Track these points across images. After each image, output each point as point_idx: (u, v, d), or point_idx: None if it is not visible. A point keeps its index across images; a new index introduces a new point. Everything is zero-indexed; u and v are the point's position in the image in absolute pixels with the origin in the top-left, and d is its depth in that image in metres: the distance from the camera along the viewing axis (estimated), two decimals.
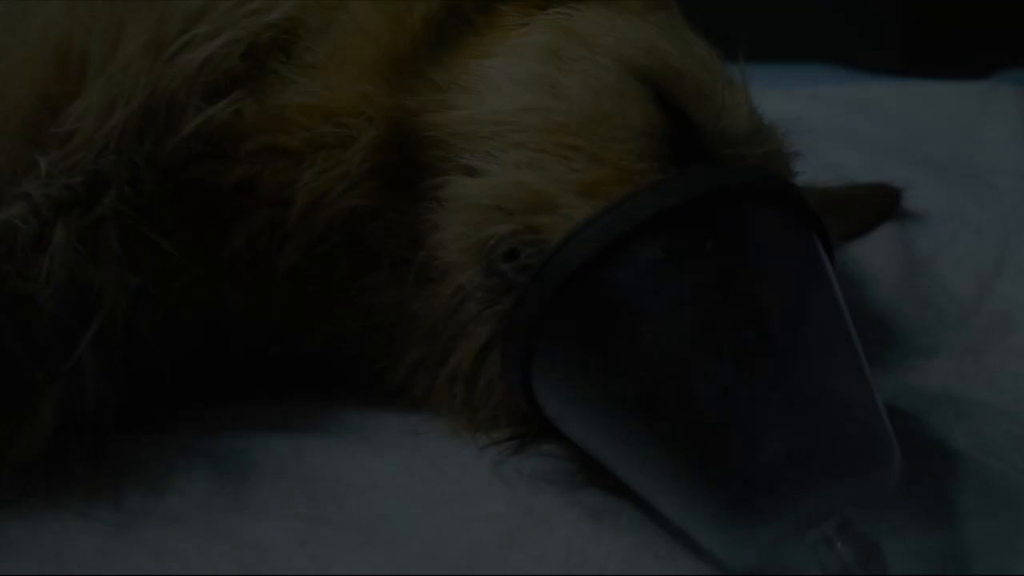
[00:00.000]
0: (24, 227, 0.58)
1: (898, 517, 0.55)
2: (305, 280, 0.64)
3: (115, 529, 0.57)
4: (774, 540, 0.52)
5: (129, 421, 0.62)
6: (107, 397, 0.60)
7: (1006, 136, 0.81)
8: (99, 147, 0.59)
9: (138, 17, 0.62)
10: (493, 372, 0.60)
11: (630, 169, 0.60)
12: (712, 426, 0.52)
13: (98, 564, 0.55)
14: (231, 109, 0.62)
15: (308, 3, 0.65)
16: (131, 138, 0.60)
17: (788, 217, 0.56)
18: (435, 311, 0.63)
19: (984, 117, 0.84)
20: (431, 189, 0.63)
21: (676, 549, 0.55)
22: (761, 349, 0.53)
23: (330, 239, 0.63)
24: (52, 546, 0.55)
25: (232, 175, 0.62)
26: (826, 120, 0.67)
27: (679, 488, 0.53)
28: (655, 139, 0.62)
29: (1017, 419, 0.61)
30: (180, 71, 0.62)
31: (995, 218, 0.74)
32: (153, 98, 0.61)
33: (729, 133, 0.63)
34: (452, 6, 0.66)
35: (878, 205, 0.76)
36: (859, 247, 0.73)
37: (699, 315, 0.53)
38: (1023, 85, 0.86)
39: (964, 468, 0.59)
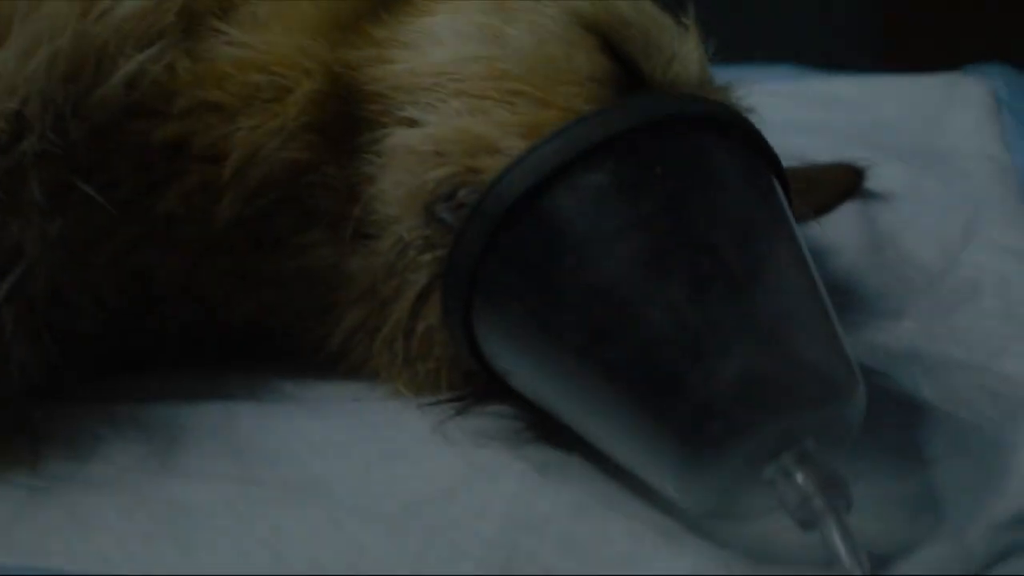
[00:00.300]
0: None
1: (864, 464, 0.52)
2: (240, 240, 0.61)
3: (33, 494, 0.54)
4: (730, 477, 0.49)
5: (56, 388, 0.58)
6: (28, 360, 0.57)
7: (972, 123, 0.79)
8: (21, 92, 0.57)
9: None
10: (432, 320, 0.57)
11: (577, 111, 0.58)
12: (663, 353, 0.49)
13: (12, 527, 0.52)
14: (163, 63, 0.60)
15: None
16: (56, 84, 0.57)
17: (738, 146, 0.54)
18: (373, 269, 0.60)
19: (950, 106, 0.82)
20: (371, 143, 0.60)
21: (628, 497, 0.52)
22: (715, 273, 0.50)
23: (265, 195, 0.60)
24: None
25: (165, 132, 0.60)
26: (787, 113, 0.65)
27: (630, 425, 0.50)
28: (603, 85, 0.60)
29: (988, 372, 0.58)
30: (109, 21, 0.60)
31: (961, 195, 0.71)
32: (80, 46, 0.59)
33: (679, 82, 0.62)
34: None
35: (840, 183, 0.74)
36: (821, 223, 0.70)
37: (649, 241, 0.51)
38: (990, 77, 0.85)
39: (932, 417, 0.56)
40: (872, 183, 0.72)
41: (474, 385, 0.58)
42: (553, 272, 0.51)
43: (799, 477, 0.47)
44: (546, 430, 0.56)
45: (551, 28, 0.61)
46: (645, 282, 0.50)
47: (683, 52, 0.62)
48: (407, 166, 0.59)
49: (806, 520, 0.47)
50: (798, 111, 0.70)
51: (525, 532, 0.51)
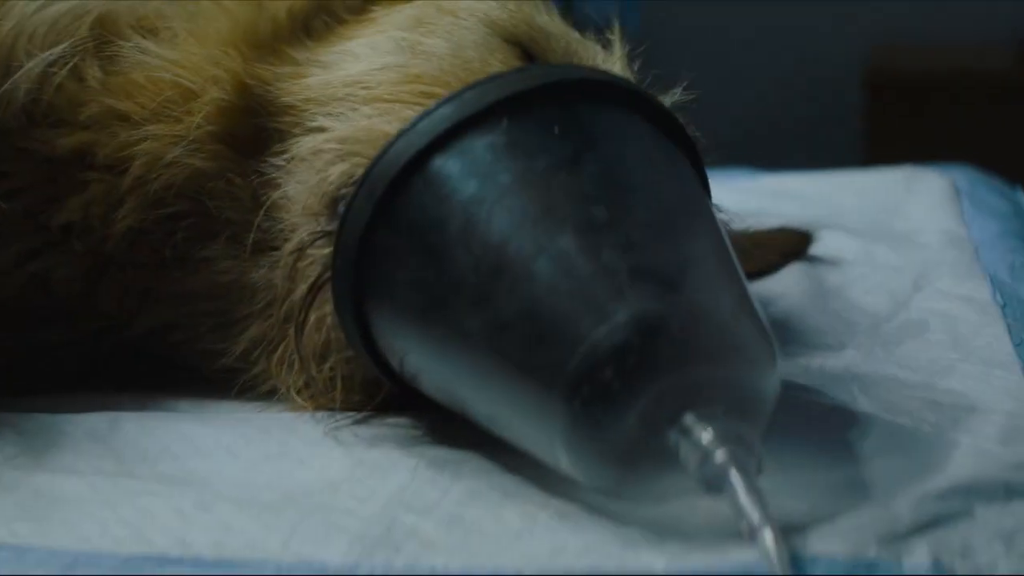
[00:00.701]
0: None
1: (789, 457, 0.48)
2: (142, 254, 0.58)
3: None
4: (627, 442, 0.44)
5: None
6: None
7: (929, 205, 0.76)
8: None
9: None
10: (326, 313, 0.54)
11: None
12: (552, 305, 0.45)
13: None
14: (69, 68, 0.58)
15: None
16: None
17: (643, 119, 0.51)
18: (275, 281, 0.56)
19: (908, 194, 0.79)
20: (279, 153, 0.58)
21: (526, 487, 0.48)
22: (611, 223, 0.47)
23: (167, 205, 0.58)
24: None
25: (70, 141, 0.58)
26: (737, 205, 0.63)
27: (520, 389, 0.46)
28: None
29: (932, 388, 0.54)
30: (16, 30, 0.58)
31: (913, 259, 0.68)
32: None
33: None
34: (321, 5, 0.63)
35: (787, 244, 0.71)
36: (763, 281, 0.67)
37: (542, 195, 0.48)
38: (949, 172, 0.82)
39: (869, 422, 0.52)
40: (821, 250, 0.69)
41: (370, 393, 0.54)
42: (443, 235, 0.48)
43: (701, 435, 0.43)
44: (444, 434, 0.52)
45: (469, 37, 0.59)
46: (535, 235, 0.46)
47: (607, 66, 0.60)
48: (312, 166, 0.56)
49: (710, 480, 0.43)
50: (748, 204, 0.67)
51: (408, 511, 0.47)
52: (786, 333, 0.61)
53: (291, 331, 0.55)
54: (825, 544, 0.42)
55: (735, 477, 0.42)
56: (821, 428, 0.51)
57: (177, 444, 0.53)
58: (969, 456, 0.47)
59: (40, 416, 0.55)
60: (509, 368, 0.46)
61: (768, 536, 0.41)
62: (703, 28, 2.21)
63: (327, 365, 0.55)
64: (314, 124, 0.58)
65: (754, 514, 0.42)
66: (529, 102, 0.50)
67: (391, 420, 0.54)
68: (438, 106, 0.50)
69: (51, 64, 0.58)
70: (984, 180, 0.81)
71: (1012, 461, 0.47)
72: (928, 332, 0.60)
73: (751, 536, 0.41)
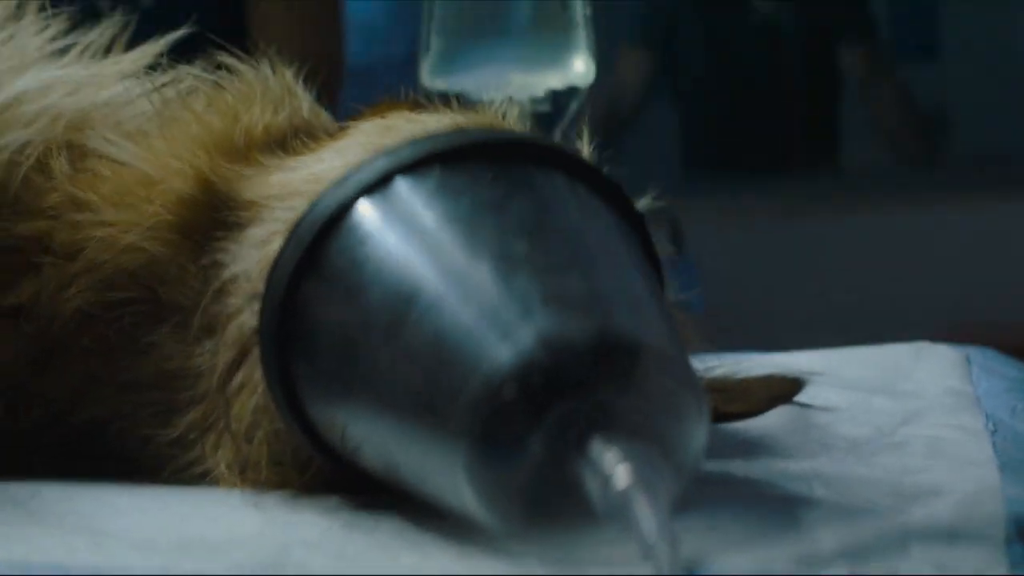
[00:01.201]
0: None
1: (723, 520, 0.44)
2: (89, 336, 0.57)
3: None
4: (532, 474, 0.41)
5: None
6: None
7: (935, 369, 0.73)
8: None
9: None
10: (255, 380, 0.51)
11: None
12: (457, 330, 0.43)
13: None
14: (34, 160, 0.59)
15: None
16: None
17: (578, 179, 0.51)
18: (218, 364, 0.54)
19: (914, 361, 0.76)
20: (234, 241, 0.57)
21: (435, 541, 0.44)
22: (529, 257, 0.45)
23: (117, 288, 0.57)
24: None
25: (28, 228, 0.58)
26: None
27: (428, 419, 0.43)
28: None
29: (896, 484, 0.50)
30: None
31: (908, 407, 0.64)
32: None
33: None
34: (299, 126, 0.63)
35: (774, 388, 0.67)
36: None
37: (463, 230, 0.47)
38: (962, 347, 0.79)
39: (819, 503, 0.47)
40: (813, 398, 0.66)
41: (303, 468, 0.51)
42: (362, 275, 0.47)
43: (605, 455, 0.40)
44: (367, 503, 0.49)
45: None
46: (450, 265, 0.45)
47: None
48: (260, 247, 0.55)
49: (612, 505, 0.39)
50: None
51: (303, 548, 0.43)
52: (754, 448, 0.58)
53: (222, 402, 0.53)
54: (731, 563, 0.39)
55: (636, 493, 0.39)
56: (762, 504, 0.47)
57: (93, 505, 0.51)
58: (917, 517, 0.44)
59: None
60: (415, 399, 0.44)
61: (663, 550, 0.37)
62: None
63: (257, 436, 0.52)
64: (271, 216, 0.57)
65: (651, 527, 0.38)
66: (464, 155, 0.49)
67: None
68: (373, 159, 0.50)
69: (18, 152, 0.59)
70: (999, 356, 0.78)
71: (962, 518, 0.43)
72: (908, 448, 0.56)
73: (647, 555, 0.38)
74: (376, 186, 0.49)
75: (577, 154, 0.53)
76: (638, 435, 0.41)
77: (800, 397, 0.64)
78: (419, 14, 1.00)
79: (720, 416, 0.60)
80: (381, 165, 0.50)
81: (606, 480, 0.40)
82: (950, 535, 0.41)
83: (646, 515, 0.39)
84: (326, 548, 0.44)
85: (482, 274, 0.44)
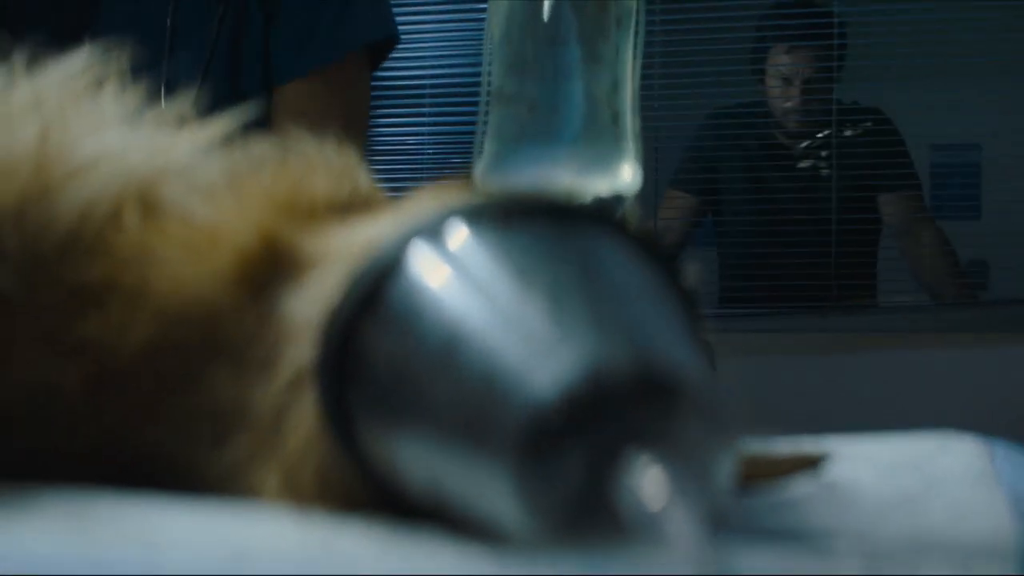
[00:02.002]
0: None
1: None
2: (147, 370, 0.61)
3: None
4: (570, 489, 0.44)
5: None
6: None
7: (962, 455, 0.75)
8: None
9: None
10: (308, 410, 0.55)
11: None
12: (508, 358, 0.47)
13: None
14: (107, 212, 0.62)
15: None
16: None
17: (613, 228, 0.54)
18: (271, 399, 0.58)
19: (939, 448, 0.78)
20: (292, 288, 0.60)
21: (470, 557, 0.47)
22: (576, 295, 0.49)
23: (177, 329, 0.60)
24: None
25: (99, 271, 0.62)
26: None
27: (475, 442, 0.47)
28: None
29: (914, 528, 0.52)
30: (64, 167, 0.63)
31: (930, 480, 0.66)
32: (32, 184, 0.62)
33: None
34: (357, 197, 0.67)
35: (798, 458, 0.69)
36: None
37: (514, 272, 0.51)
38: (985, 440, 0.81)
39: (839, 531, 0.50)
40: (838, 473, 0.68)
41: (350, 494, 0.54)
42: (419, 318, 0.51)
43: (642, 478, 0.43)
44: (410, 524, 0.52)
45: None
46: (498, 307, 0.49)
47: None
48: (317, 287, 0.58)
49: (647, 523, 0.42)
50: None
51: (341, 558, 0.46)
52: (777, 501, 0.60)
53: (273, 433, 0.56)
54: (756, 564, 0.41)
55: (671, 511, 0.41)
56: (784, 534, 0.50)
57: (146, 514, 0.54)
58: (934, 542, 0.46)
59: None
60: (464, 428, 0.47)
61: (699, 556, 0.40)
62: None
63: (308, 466, 0.55)
64: (330, 269, 0.60)
65: (686, 540, 0.41)
66: (517, 209, 0.53)
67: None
68: (430, 209, 0.54)
69: (93, 205, 0.63)
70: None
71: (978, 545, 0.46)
72: (928, 505, 0.58)
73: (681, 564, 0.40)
74: (432, 232, 0.53)
75: (618, 214, 0.56)
76: (674, 459, 0.44)
77: (826, 472, 0.67)
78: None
79: (746, 480, 0.63)
80: (437, 213, 0.53)
81: (642, 499, 0.42)
82: (966, 555, 0.44)
83: (682, 531, 0.41)
84: (363, 560, 0.47)
85: (529, 310, 0.48)
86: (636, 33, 0.93)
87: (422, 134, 3.79)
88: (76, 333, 0.61)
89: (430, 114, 3.74)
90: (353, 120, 1.80)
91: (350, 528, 0.51)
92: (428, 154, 3.75)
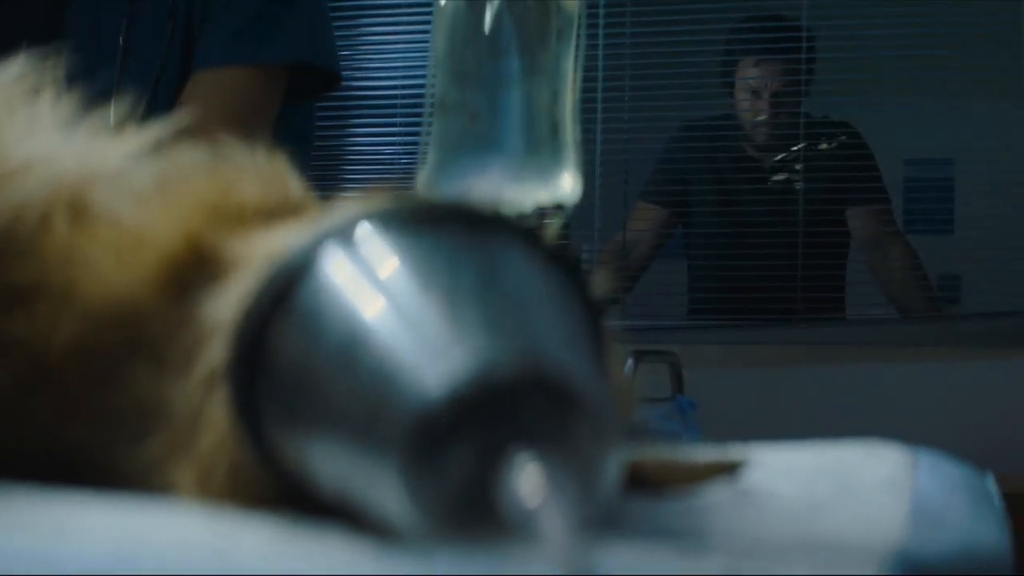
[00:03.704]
0: None
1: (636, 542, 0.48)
2: (74, 369, 0.62)
3: None
4: (456, 486, 0.45)
5: None
6: None
7: (880, 466, 0.76)
8: None
9: None
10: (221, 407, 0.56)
11: None
12: (403, 358, 0.48)
13: None
14: (38, 215, 0.64)
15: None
16: None
17: (520, 237, 0.56)
18: (188, 397, 0.59)
19: (862, 458, 0.79)
20: (214, 291, 0.62)
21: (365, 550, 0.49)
22: (473, 298, 0.51)
23: (102, 329, 0.62)
24: None
25: (28, 272, 0.63)
26: None
27: (371, 440, 0.48)
28: None
29: (807, 526, 0.54)
30: None
31: (842, 487, 0.68)
32: None
33: None
34: (286, 203, 0.68)
35: (714, 465, 0.71)
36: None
37: (416, 275, 0.52)
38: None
39: (723, 530, 0.51)
40: (755, 480, 0.70)
41: (259, 490, 0.56)
42: (325, 319, 0.52)
43: (521, 477, 0.44)
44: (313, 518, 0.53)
45: None
46: (398, 308, 0.50)
47: None
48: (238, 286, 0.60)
49: (523, 521, 0.43)
50: None
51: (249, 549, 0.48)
52: (682, 503, 0.62)
53: (189, 432, 0.57)
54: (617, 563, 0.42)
55: (546, 510, 0.43)
56: (666, 531, 0.51)
57: (61, 505, 0.55)
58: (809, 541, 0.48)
59: None
60: (362, 426, 0.49)
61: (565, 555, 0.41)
62: None
63: (220, 462, 0.57)
64: (250, 271, 0.61)
65: (557, 538, 0.42)
66: (427, 215, 0.55)
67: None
68: (342, 213, 0.56)
69: (22, 207, 0.64)
70: (953, 459, 0.81)
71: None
72: (828, 510, 0.60)
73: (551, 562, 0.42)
74: (343, 236, 0.54)
75: (527, 224, 0.57)
76: (555, 460, 0.45)
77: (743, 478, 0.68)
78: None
79: (660, 484, 0.64)
80: (350, 218, 0.55)
81: (521, 496, 0.44)
82: (834, 553, 0.45)
83: (555, 529, 0.42)
84: (260, 553, 0.48)
85: (425, 312, 0.49)
86: (577, 45, 0.95)
87: (395, 144, 3.81)
88: (4, 332, 0.62)
89: (403, 124, 3.76)
90: (247, 126, 1.83)
91: (251, 523, 0.52)
92: (401, 163, 3.77)
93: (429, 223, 0.55)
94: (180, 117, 0.73)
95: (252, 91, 1.89)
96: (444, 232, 0.54)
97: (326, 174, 3.67)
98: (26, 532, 0.50)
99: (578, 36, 0.95)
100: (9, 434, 0.63)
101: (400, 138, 3.77)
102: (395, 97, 3.75)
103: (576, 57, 0.96)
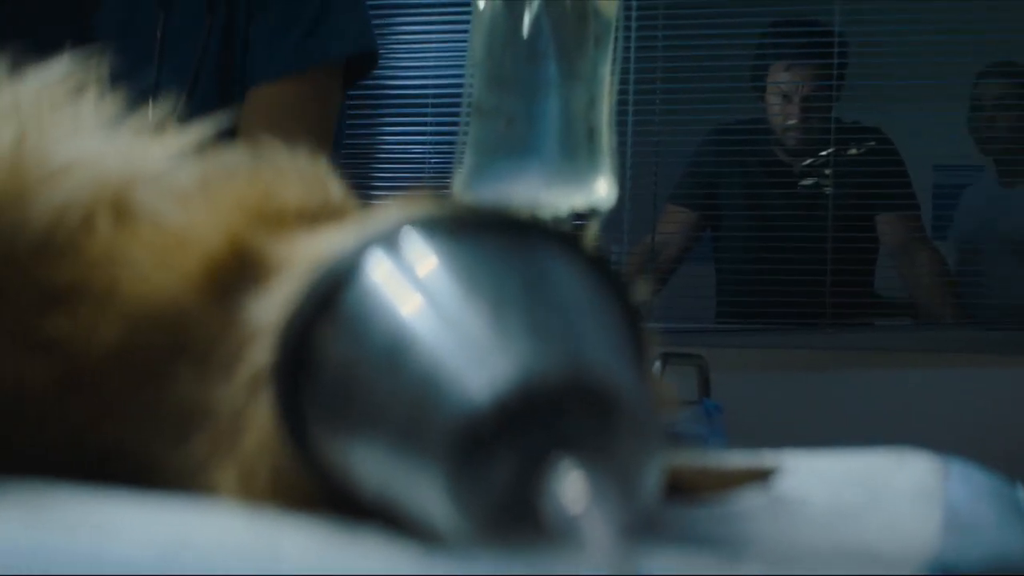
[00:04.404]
0: None
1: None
2: (115, 370, 0.62)
3: None
4: (499, 492, 0.46)
5: None
6: None
7: (913, 474, 0.77)
8: None
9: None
10: (265, 409, 0.57)
11: None
12: (449, 363, 0.49)
13: None
14: (81, 216, 0.64)
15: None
16: None
17: (565, 247, 0.56)
18: (231, 399, 0.60)
19: (895, 466, 0.80)
20: (257, 295, 0.62)
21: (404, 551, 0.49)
22: (519, 306, 0.51)
23: (144, 330, 0.62)
24: None
25: (70, 273, 0.63)
26: None
27: (414, 444, 0.49)
28: None
29: (839, 532, 0.54)
30: (39, 170, 0.65)
31: (874, 496, 0.68)
32: (7, 186, 0.64)
33: None
34: (327, 206, 0.69)
35: (747, 472, 0.71)
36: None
37: (462, 281, 0.53)
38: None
39: (761, 538, 0.52)
40: (786, 487, 0.70)
41: (301, 493, 0.56)
42: (370, 323, 0.53)
43: (565, 483, 0.44)
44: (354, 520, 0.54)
45: None
46: (444, 314, 0.51)
47: None
48: (282, 290, 0.60)
49: (567, 527, 0.44)
50: None
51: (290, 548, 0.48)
52: (715, 509, 0.62)
53: (232, 433, 0.58)
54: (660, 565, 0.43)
55: (589, 517, 0.43)
56: (704, 537, 0.52)
57: (99, 504, 0.56)
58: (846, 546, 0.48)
59: None
60: (405, 429, 0.49)
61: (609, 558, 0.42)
62: None
63: (264, 464, 0.57)
64: (294, 275, 0.62)
65: (600, 544, 0.42)
66: (473, 222, 0.55)
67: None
68: (387, 218, 0.56)
69: (65, 208, 0.65)
70: (984, 470, 0.82)
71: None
72: (861, 518, 0.60)
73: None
74: (388, 241, 0.55)
75: (567, 230, 0.58)
76: (598, 466, 0.46)
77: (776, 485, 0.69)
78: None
79: (695, 491, 0.64)
80: (395, 223, 0.55)
81: (564, 503, 0.44)
82: (869, 560, 0.46)
83: (598, 535, 0.43)
84: (300, 555, 0.49)
85: (470, 318, 0.50)
86: (614, 50, 0.95)
87: (425, 143, 3.82)
88: (46, 332, 0.63)
89: (433, 123, 3.76)
90: (318, 129, 1.82)
91: (292, 525, 0.52)
92: (431, 163, 3.78)
93: (472, 229, 0.55)
94: (222, 119, 0.74)
95: (328, 90, 1.88)
96: (487, 238, 0.55)
97: (355, 173, 3.67)
98: (70, 531, 0.51)
99: (615, 41, 0.95)
100: (47, 433, 0.63)
101: (430, 138, 3.79)
102: (425, 97, 3.76)
103: (613, 62, 0.96)
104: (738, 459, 0.72)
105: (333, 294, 0.55)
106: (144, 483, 0.62)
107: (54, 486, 0.59)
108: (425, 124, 3.79)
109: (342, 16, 1.86)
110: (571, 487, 0.44)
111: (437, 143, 3.73)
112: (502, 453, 0.46)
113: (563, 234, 0.57)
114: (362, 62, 1.94)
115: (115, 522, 0.52)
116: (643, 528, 0.45)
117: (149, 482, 0.62)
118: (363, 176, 3.76)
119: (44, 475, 0.62)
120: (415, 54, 3.78)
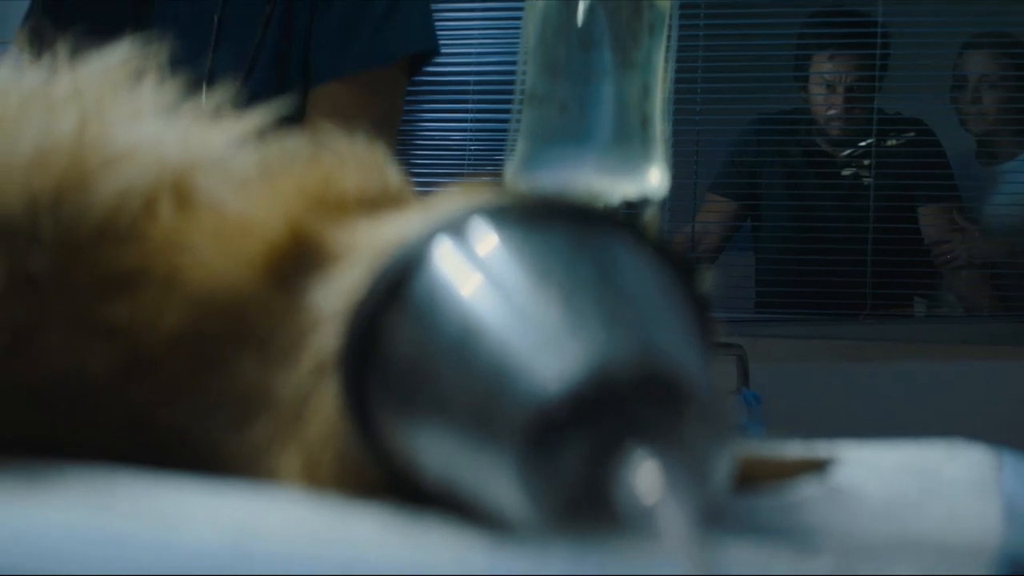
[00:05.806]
0: None
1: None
2: (176, 356, 0.63)
3: None
4: (571, 481, 0.46)
5: None
6: None
7: (965, 465, 0.76)
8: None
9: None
10: (330, 397, 0.57)
11: None
12: (520, 352, 0.49)
13: None
14: (142, 201, 0.64)
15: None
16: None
17: (632, 235, 0.56)
18: (295, 386, 0.60)
19: (946, 457, 0.79)
20: (320, 281, 0.62)
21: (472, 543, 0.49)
22: (590, 295, 0.51)
23: (206, 317, 0.62)
24: None
25: (131, 259, 0.64)
26: None
27: (484, 432, 0.49)
28: None
29: (900, 523, 0.54)
30: (101, 156, 0.65)
31: (929, 486, 0.68)
32: (69, 172, 0.64)
33: None
34: (386, 193, 0.69)
35: (804, 462, 0.71)
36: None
37: (532, 271, 0.53)
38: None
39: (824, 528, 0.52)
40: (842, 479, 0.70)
41: (368, 480, 0.56)
42: (439, 312, 0.53)
43: (639, 472, 0.44)
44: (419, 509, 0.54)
45: None
46: (514, 303, 0.51)
47: None
48: (343, 278, 0.60)
49: (641, 516, 0.44)
50: None
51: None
52: (775, 498, 0.62)
53: (295, 419, 0.58)
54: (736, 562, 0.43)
55: (665, 505, 0.43)
56: (770, 528, 0.52)
57: (164, 490, 0.57)
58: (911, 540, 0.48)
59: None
60: (475, 418, 0.49)
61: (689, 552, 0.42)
62: None
63: (328, 450, 0.57)
64: (356, 262, 0.62)
65: (678, 535, 0.42)
66: (541, 212, 0.55)
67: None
68: (455, 207, 0.56)
69: (127, 193, 0.65)
70: None
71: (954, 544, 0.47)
72: (920, 507, 0.60)
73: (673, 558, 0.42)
74: (455, 229, 0.55)
75: (637, 222, 0.58)
76: (671, 456, 0.46)
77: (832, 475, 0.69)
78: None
79: (752, 481, 0.64)
80: (462, 212, 0.55)
81: (638, 493, 0.44)
82: (937, 554, 0.45)
83: (673, 525, 0.43)
84: (365, 542, 0.49)
85: (541, 307, 0.50)
86: (668, 39, 0.95)
87: (466, 130, 3.82)
88: (108, 318, 0.63)
89: (474, 111, 3.76)
90: (384, 125, 1.83)
91: (361, 512, 0.53)
92: (472, 151, 3.77)
93: (541, 218, 0.55)
94: (280, 106, 0.74)
95: (393, 87, 1.88)
96: (557, 227, 0.54)
97: (396, 160, 3.67)
98: (136, 518, 0.51)
99: (670, 30, 0.95)
100: (109, 419, 0.64)
101: (471, 125, 3.79)
102: (467, 84, 3.76)
103: (667, 51, 0.96)
104: (794, 449, 0.72)
105: (401, 281, 0.55)
106: (205, 469, 0.62)
107: (117, 472, 0.59)
108: (467, 112, 3.79)
109: (409, 15, 1.87)
110: (645, 477, 0.44)
111: (478, 131, 3.73)
112: (574, 442, 0.46)
113: (630, 223, 0.57)
114: (424, 56, 1.94)
115: (181, 510, 0.52)
116: (713, 518, 0.45)
117: (210, 468, 0.62)
118: (403, 163, 3.76)
119: (106, 461, 0.62)
120: (457, 42, 3.78)
